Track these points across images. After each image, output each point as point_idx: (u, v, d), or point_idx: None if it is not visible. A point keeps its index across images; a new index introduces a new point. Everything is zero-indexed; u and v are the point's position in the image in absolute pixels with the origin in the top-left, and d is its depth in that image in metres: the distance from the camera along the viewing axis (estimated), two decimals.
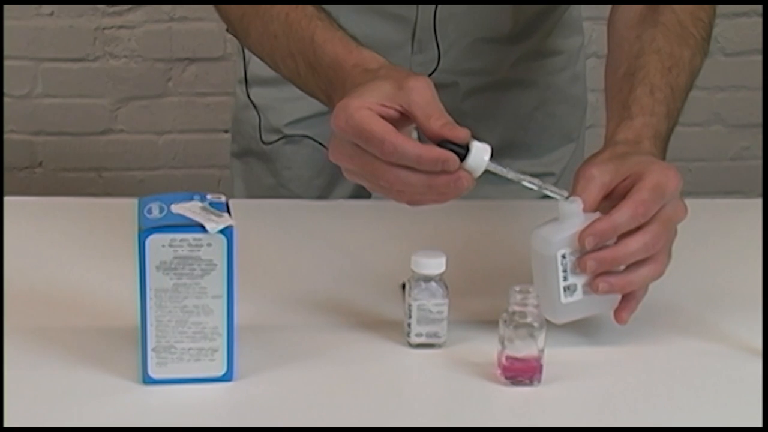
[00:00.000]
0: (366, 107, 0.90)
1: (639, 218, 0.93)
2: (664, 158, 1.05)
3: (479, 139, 0.91)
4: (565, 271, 0.94)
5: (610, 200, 0.96)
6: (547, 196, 0.95)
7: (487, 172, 0.92)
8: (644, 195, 0.94)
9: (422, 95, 0.91)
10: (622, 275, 0.95)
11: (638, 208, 0.93)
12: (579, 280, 0.94)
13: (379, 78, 0.94)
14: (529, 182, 0.94)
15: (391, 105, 0.91)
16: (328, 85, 1.00)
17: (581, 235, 0.93)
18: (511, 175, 0.93)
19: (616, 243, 0.94)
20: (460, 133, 0.90)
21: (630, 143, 1.02)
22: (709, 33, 1.17)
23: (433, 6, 1.28)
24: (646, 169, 0.96)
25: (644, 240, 0.94)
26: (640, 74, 1.09)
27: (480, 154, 0.91)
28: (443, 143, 0.89)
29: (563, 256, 0.93)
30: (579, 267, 0.93)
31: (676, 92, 1.09)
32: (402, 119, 0.91)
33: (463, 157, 0.90)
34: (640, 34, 1.13)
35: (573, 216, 0.94)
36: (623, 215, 0.93)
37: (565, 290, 0.94)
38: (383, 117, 0.90)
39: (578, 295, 0.94)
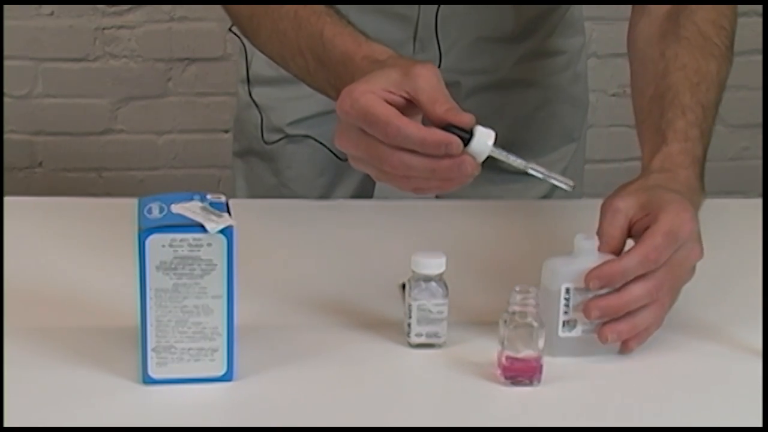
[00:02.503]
0: (371, 92, 0.90)
1: (650, 265, 0.92)
2: (702, 182, 1.04)
3: (484, 125, 0.91)
4: (567, 305, 0.93)
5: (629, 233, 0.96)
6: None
7: (493, 159, 0.92)
8: (657, 240, 0.92)
9: (428, 81, 0.91)
10: (625, 322, 0.93)
11: (650, 255, 0.92)
12: (580, 317, 0.94)
13: (386, 66, 0.95)
14: (534, 169, 0.93)
15: (396, 91, 0.91)
16: (337, 80, 1.00)
17: (587, 276, 0.92)
18: (516, 162, 0.93)
19: (619, 289, 0.92)
20: (465, 118, 0.90)
21: (666, 172, 1.01)
22: (732, 40, 1.15)
23: (435, 5, 1.28)
24: (663, 210, 0.94)
25: (647, 287, 0.93)
26: (669, 95, 1.07)
27: (483, 138, 0.91)
28: (448, 128, 0.90)
29: (567, 290, 0.93)
30: (584, 313, 0.92)
31: (707, 110, 1.08)
32: (408, 106, 0.92)
33: (467, 142, 0.90)
34: (663, 50, 1.12)
35: (587, 253, 0.93)
36: (633, 260, 0.92)
37: (564, 324, 0.94)
38: (389, 103, 0.91)
39: (577, 332, 0.94)
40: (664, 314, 0.95)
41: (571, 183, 0.94)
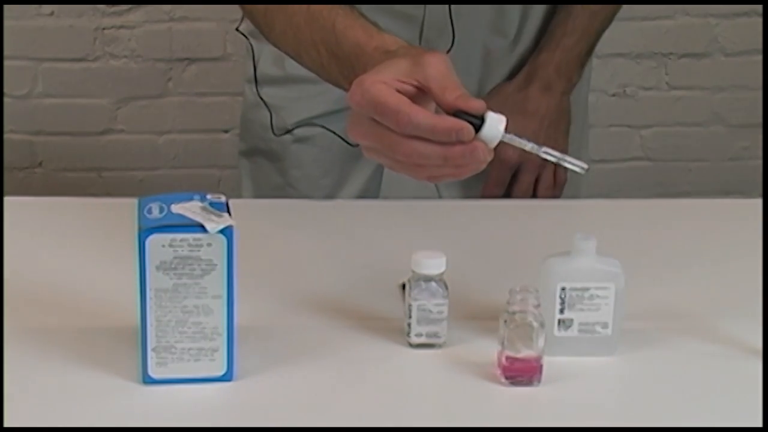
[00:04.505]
0: (381, 81, 0.90)
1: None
2: (585, 60, 1.37)
3: (495, 111, 0.91)
4: (562, 304, 0.93)
5: None
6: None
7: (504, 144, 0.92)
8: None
9: (438, 69, 0.91)
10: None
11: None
12: (576, 317, 0.94)
13: (397, 56, 0.95)
14: (547, 153, 0.93)
15: (407, 80, 0.91)
16: (349, 71, 1.00)
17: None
18: (529, 146, 0.92)
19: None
20: (475, 104, 0.90)
21: (523, 92, 1.33)
22: None
23: (440, 5, 1.28)
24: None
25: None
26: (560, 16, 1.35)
27: (495, 123, 0.90)
28: (459, 114, 0.90)
29: (563, 289, 0.93)
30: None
31: (599, 12, 1.35)
32: (419, 95, 0.92)
33: (478, 128, 0.90)
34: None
35: (585, 253, 0.93)
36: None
37: (559, 323, 0.94)
38: (400, 92, 0.90)
39: (573, 331, 0.94)
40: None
41: (585, 166, 0.93)
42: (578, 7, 1.34)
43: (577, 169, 0.94)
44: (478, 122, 0.90)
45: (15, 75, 2.46)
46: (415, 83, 0.91)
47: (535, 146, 0.93)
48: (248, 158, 1.47)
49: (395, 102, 0.89)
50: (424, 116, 0.89)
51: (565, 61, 1.35)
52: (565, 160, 0.93)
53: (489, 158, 0.90)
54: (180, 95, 2.53)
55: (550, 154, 0.93)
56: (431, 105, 0.92)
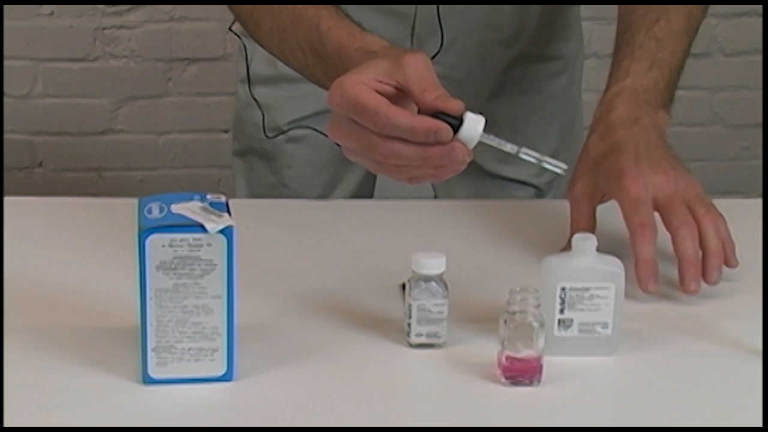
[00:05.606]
0: (361, 82, 0.91)
1: (650, 238, 1.02)
2: (650, 105, 1.13)
3: (474, 111, 0.91)
4: (562, 304, 0.93)
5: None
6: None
7: (487, 146, 0.92)
8: (635, 219, 1.02)
9: (417, 70, 0.92)
10: (693, 264, 1.03)
11: (644, 233, 1.02)
12: (576, 317, 0.94)
13: (377, 56, 0.95)
14: (527, 153, 0.93)
15: (387, 81, 0.92)
16: (333, 72, 1.00)
17: (643, 287, 1.01)
18: (508, 147, 0.93)
19: (678, 253, 1.03)
20: (454, 105, 0.91)
21: (600, 126, 1.11)
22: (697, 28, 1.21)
23: (432, 4, 1.28)
24: (616, 189, 1.05)
25: (682, 234, 1.03)
26: (627, 35, 1.16)
27: (473, 124, 0.91)
28: (437, 115, 0.90)
29: (563, 289, 0.93)
30: (687, 291, 1.03)
31: (664, 40, 1.14)
32: (399, 95, 0.92)
33: (457, 129, 0.90)
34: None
35: (586, 253, 0.93)
36: (644, 249, 1.02)
37: (559, 323, 0.94)
38: (380, 93, 0.91)
39: (573, 331, 0.94)
40: (695, 231, 1.04)
41: (564, 166, 0.94)
42: (642, 31, 1.15)
43: (557, 171, 0.94)
44: (456, 123, 0.90)
45: (15, 75, 2.46)
46: (395, 84, 0.92)
47: (514, 147, 0.93)
48: (242, 158, 1.47)
49: (374, 102, 0.90)
50: (402, 117, 0.89)
51: (642, 89, 1.13)
52: (545, 161, 0.94)
53: (468, 159, 0.91)
54: (180, 95, 2.53)
55: (528, 155, 0.94)
56: (411, 106, 0.92)
